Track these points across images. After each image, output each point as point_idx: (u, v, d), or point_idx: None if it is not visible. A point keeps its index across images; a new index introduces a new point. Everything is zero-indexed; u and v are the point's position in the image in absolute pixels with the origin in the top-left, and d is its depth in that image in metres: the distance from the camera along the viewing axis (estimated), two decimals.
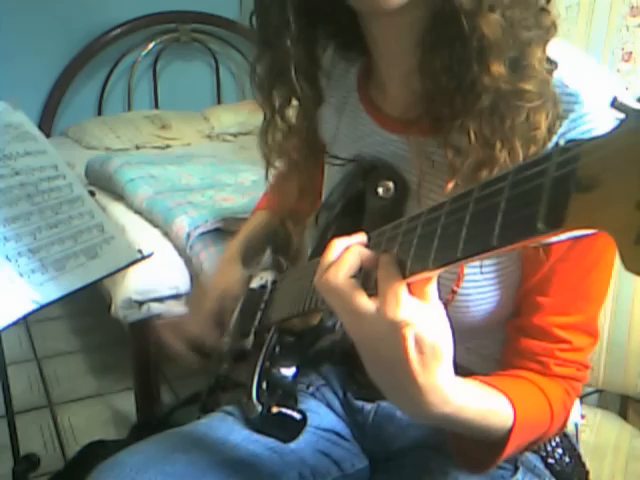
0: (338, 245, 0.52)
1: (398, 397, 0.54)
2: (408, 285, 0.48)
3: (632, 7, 2.14)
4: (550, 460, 0.76)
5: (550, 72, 0.60)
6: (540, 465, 0.76)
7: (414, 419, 0.60)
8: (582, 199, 0.32)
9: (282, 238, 0.95)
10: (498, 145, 0.59)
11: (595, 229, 0.32)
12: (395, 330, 0.47)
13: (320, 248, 0.76)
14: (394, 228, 0.50)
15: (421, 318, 0.48)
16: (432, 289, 0.49)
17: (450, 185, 0.62)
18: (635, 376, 1.04)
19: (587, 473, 0.80)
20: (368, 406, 0.82)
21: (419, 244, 0.46)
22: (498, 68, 0.58)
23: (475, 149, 0.60)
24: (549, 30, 0.60)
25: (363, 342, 0.51)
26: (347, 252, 0.50)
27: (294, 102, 0.76)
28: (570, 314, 0.67)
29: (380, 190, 0.68)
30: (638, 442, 1.05)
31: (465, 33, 0.58)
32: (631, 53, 2.16)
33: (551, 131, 0.59)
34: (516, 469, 0.75)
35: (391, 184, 0.68)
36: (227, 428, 0.80)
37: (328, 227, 0.77)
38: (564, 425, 0.70)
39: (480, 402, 0.56)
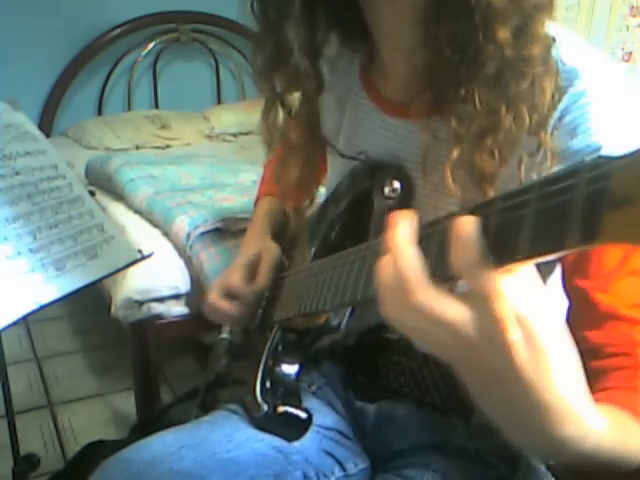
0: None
1: (523, 427, 0.44)
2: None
3: (632, 7, 2.14)
4: (551, 461, 0.76)
5: (551, 43, 0.61)
6: (541, 466, 0.76)
7: (551, 458, 0.49)
8: (616, 215, 0.31)
9: (282, 225, 0.96)
10: (503, 110, 0.60)
11: (633, 244, 0.31)
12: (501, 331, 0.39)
13: (324, 246, 0.77)
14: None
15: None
16: None
17: (455, 152, 0.62)
18: None
19: None
20: (369, 407, 0.82)
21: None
22: (504, 34, 0.58)
23: (480, 115, 0.60)
24: None
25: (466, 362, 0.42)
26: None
27: (296, 90, 0.76)
28: (632, 294, 0.60)
29: (386, 190, 0.69)
30: None
31: (470, 3, 0.58)
32: (631, 53, 2.16)
33: (552, 103, 0.60)
34: (517, 470, 0.74)
35: (397, 184, 0.69)
36: (232, 426, 0.80)
37: (332, 225, 0.77)
38: None
39: (615, 419, 0.46)
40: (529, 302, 0.40)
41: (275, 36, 0.70)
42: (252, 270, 0.91)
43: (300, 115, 0.78)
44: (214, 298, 0.90)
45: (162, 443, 0.76)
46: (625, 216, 0.31)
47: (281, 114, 0.77)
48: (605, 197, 0.32)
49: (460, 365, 0.43)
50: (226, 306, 0.89)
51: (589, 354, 0.58)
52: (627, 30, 2.10)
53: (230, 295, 0.90)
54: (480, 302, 0.39)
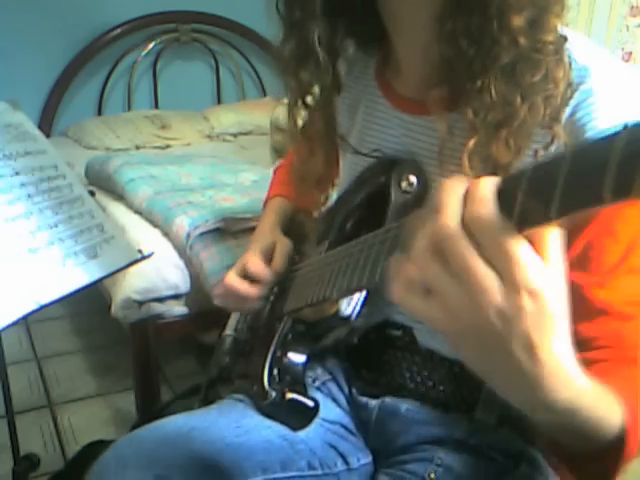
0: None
1: (513, 386, 0.45)
2: None
3: (632, 7, 2.14)
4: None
5: (563, 40, 0.62)
6: (542, 460, 0.76)
7: (532, 412, 0.48)
8: None
9: (297, 226, 0.96)
10: (518, 101, 0.61)
11: None
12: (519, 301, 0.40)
13: (338, 240, 0.77)
14: None
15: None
16: None
17: (471, 142, 0.63)
18: None
19: None
20: (372, 402, 0.82)
21: None
22: (519, 22, 0.60)
23: (495, 106, 0.62)
24: None
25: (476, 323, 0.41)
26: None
27: (318, 84, 0.78)
28: (628, 291, 0.62)
29: (403, 184, 0.71)
30: None
31: None
32: (631, 53, 2.16)
33: (565, 98, 0.61)
34: (519, 465, 0.75)
35: (414, 178, 0.71)
36: (239, 413, 0.81)
37: (347, 219, 0.78)
38: None
39: (593, 385, 0.48)
40: (545, 274, 0.40)
41: (299, 33, 0.73)
42: (268, 256, 0.91)
43: (320, 110, 0.81)
44: (232, 278, 0.88)
45: (173, 425, 0.78)
46: None
47: (303, 109, 0.80)
48: None
49: (461, 324, 0.42)
50: (245, 287, 0.88)
51: (577, 346, 0.58)
52: (627, 30, 2.10)
53: (248, 277, 0.89)
54: (502, 266, 0.39)
